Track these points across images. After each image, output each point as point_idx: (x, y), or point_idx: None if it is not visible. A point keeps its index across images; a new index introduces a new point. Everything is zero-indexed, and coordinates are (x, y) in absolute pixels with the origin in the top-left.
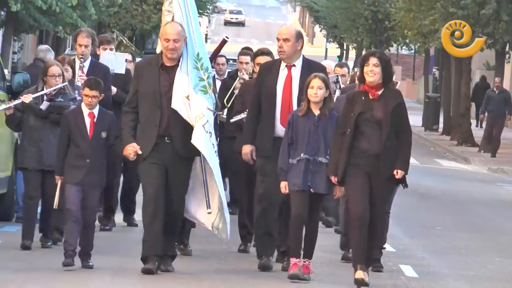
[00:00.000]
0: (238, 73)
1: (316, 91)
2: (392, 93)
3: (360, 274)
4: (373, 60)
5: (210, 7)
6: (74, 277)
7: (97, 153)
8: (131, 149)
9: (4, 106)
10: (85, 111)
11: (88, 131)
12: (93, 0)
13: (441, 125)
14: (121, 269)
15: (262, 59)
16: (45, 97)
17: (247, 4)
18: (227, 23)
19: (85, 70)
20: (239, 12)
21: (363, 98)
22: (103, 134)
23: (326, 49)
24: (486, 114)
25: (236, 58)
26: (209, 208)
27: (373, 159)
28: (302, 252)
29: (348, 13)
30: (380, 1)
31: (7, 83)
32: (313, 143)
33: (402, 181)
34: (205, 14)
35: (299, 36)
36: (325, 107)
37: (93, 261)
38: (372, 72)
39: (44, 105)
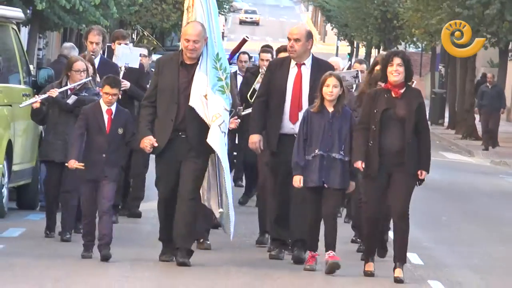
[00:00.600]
0: (260, 69)
1: (331, 89)
2: (413, 92)
3: (370, 266)
4: (397, 60)
5: (227, 7)
6: (94, 265)
7: (113, 149)
8: (148, 142)
9: (31, 100)
10: (104, 107)
11: (106, 126)
12: (115, 0)
13: (446, 119)
14: (139, 258)
15: (284, 55)
16: (69, 92)
17: (261, 3)
18: (242, 22)
19: (95, 67)
20: (253, 12)
21: (385, 95)
22: (120, 131)
23: (337, 46)
24: (478, 108)
25: (248, 54)
26: (221, 208)
27: (394, 156)
28: (324, 246)
29: (359, 12)
30: (389, 1)
31: (33, 78)
32: (327, 139)
33: (421, 179)
34: (222, 13)
35: (309, 35)
36: (339, 104)
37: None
38: (397, 71)
39: (71, 99)
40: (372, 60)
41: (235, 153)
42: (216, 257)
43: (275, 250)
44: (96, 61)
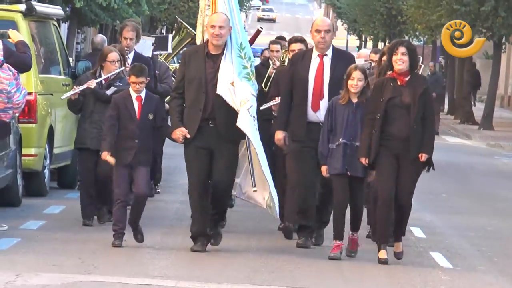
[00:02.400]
0: (270, 60)
1: (356, 82)
2: (418, 79)
3: (383, 254)
4: (402, 49)
5: (247, 4)
6: (128, 238)
7: (144, 134)
8: (180, 133)
9: (71, 92)
10: (133, 95)
11: (137, 113)
12: None
13: (446, 106)
14: (170, 232)
15: (296, 46)
16: (103, 82)
17: (278, 1)
18: (260, 19)
19: (129, 61)
20: (270, 10)
21: (391, 84)
22: (150, 116)
23: (347, 40)
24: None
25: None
26: (255, 186)
27: (401, 143)
28: (350, 225)
29: (366, 9)
30: None
31: (72, 70)
32: (351, 129)
33: (429, 163)
34: (243, 10)
35: (334, 27)
36: (363, 95)
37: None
38: (401, 60)
39: (110, 91)
40: None
41: None
42: (237, 269)
43: (302, 238)
44: (130, 56)
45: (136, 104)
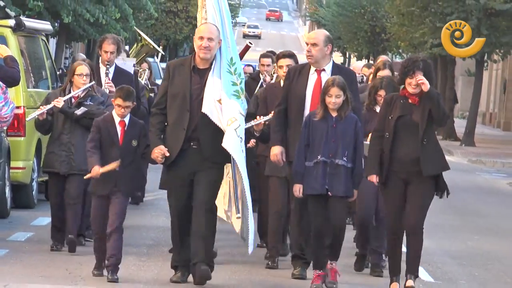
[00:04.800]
0: (260, 75)
1: (334, 100)
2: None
3: (395, 286)
4: (418, 75)
5: (233, 21)
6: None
7: (127, 162)
8: (159, 152)
9: (36, 112)
10: (116, 119)
11: (119, 138)
12: (134, 14)
13: None
14: (150, 253)
15: (284, 62)
16: (73, 100)
17: (264, 18)
18: (245, 36)
19: (110, 76)
20: (255, 27)
21: (402, 101)
22: (134, 143)
23: (328, 54)
24: None
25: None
26: (239, 213)
27: (410, 165)
28: (329, 254)
29: (350, 26)
30: (377, 17)
31: (59, 84)
32: (330, 145)
33: (440, 188)
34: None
35: (327, 40)
36: (342, 110)
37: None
38: (416, 85)
39: (80, 111)
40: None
41: None
42: (227, 276)
43: (298, 268)
44: (111, 70)
45: (119, 129)
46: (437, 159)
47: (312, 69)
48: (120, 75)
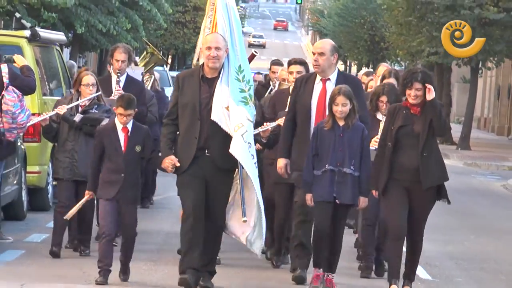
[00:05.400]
0: (271, 82)
1: (341, 108)
2: (431, 107)
3: None
4: (417, 85)
5: None
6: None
7: (131, 167)
8: (169, 162)
9: (39, 118)
10: (119, 126)
11: (122, 145)
12: (144, 25)
13: None
14: (161, 254)
15: (295, 68)
16: (79, 108)
17: (269, 28)
18: (250, 45)
19: (121, 84)
20: (260, 36)
21: (404, 112)
22: (138, 148)
23: (334, 63)
24: None
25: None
26: (245, 216)
27: (412, 174)
28: (326, 264)
29: (351, 36)
30: (376, 26)
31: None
32: (338, 154)
33: (441, 195)
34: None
35: (334, 50)
36: (349, 118)
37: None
38: (415, 95)
39: (77, 117)
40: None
41: None
42: (231, 277)
43: (298, 271)
44: (122, 79)
45: (122, 136)
46: (437, 171)
47: (318, 78)
48: (131, 84)
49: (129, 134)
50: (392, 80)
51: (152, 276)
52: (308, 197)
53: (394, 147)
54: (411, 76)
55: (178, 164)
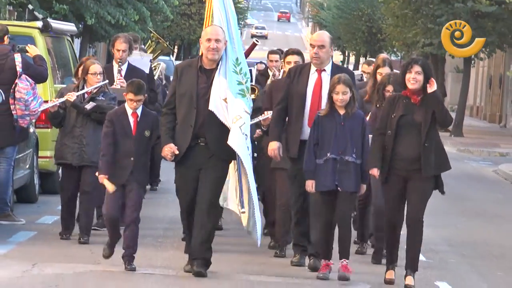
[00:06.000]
0: (268, 70)
1: (341, 96)
2: (432, 98)
3: (391, 274)
4: (416, 68)
5: (242, 23)
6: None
7: (140, 152)
8: (169, 150)
9: (49, 104)
10: (129, 111)
11: (132, 129)
12: (151, 16)
13: None
14: (167, 235)
15: (292, 58)
16: (86, 95)
17: (271, 20)
18: (253, 36)
19: (123, 73)
20: (263, 28)
21: (404, 101)
22: (147, 133)
23: (332, 55)
24: None
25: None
26: (243, 208)
27: (410, 163)
28: (339, 253)
29: (349, 27)
30: (374, 18)
31: None
32: (339, 142)
33: (438, 185)
34: (239, 27)
35: (331, 42)
36: (349, 107)
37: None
38: (415, 79)
39: (89, 105)
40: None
41: None
42: (231, 261)
43: (296, 256)
44: (124, 68)
45: (131, 121)
46: (438, 161)
47: (313, 69)
48: (132, 72)
49: (138, 119)
50: (386, 69)
51: (156, 261)
52: (310, 183)
53: (395, 136)
54: (411, 60)
55: (177, 152)
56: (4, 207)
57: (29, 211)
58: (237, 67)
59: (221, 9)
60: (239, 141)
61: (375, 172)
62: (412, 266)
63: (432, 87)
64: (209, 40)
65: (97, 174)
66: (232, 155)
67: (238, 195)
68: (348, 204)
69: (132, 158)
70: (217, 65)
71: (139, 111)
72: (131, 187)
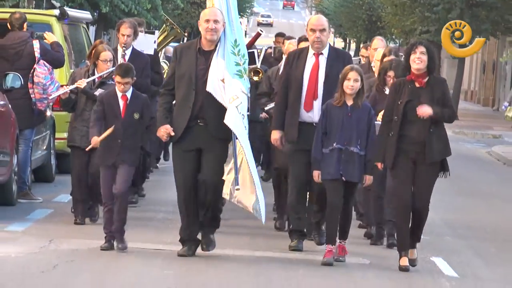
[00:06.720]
0: (283, 55)
1: (352, 83)
2: (437, 81)
3: (405, 261)
4: (421, 48)
5: (249, 11)
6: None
7: (129, 133)
8: (164, 131)
9: (61, 91)
10: (119, 93)
11: (121, 111)
12: (162, 5)
13: None
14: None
15: (304, 45)
16: (96, 80)
17: (276, 9)
18: (259, 24)
19: (127, 58)
20: (268, 16)
21: (409, 86)
22: (136, 115)
23: (334, 42)
24: None
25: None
26: (238, 185)
27: (419, 146)
28: (338, 233)
29: (350, 16)
30: (374, 7)
31: None
32: (346, 133)
33: (444, 168)
34: (245, 15)
35: (329, 25)
36: (358, 98)
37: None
38: (419, 59)
39: (98, 92)
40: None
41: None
42: (232, 244)
43: (294, 241)
44: (128, 53)
45: (121, 103)
46: (440, 147)
47: (310, 52)
48: (136, 57)
49: (127, 101)
50: (392, 58)
51: (159, 243)
52: (316, 173)
53: (401, 121)
54: (415, 41)
55: (172, 134)
56: (23, 186)
57: (46, 190)
58: (235, 49)
59: None
60: (236, 121)
61: (379, 165)
62: (413, 243)
63: (426, 113)
64: (207, 21)
65: (87, 148)
66: (230, 134)
67: (233, 173)
68: (351, 192)
69: (119, 140)
70: (216, 46)
71: (128, 94)
72: (120, 167)
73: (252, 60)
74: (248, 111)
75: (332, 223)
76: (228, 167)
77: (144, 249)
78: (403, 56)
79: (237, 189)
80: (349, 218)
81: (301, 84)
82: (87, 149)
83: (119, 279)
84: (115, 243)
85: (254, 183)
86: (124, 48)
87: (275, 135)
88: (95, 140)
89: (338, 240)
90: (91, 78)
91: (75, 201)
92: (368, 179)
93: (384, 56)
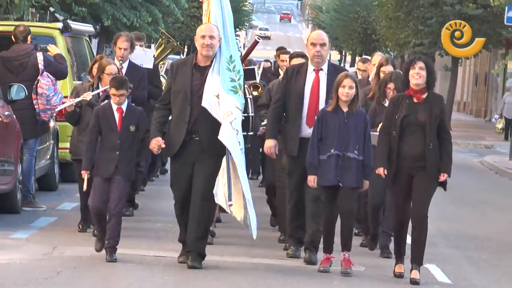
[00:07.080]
0: (280, 70)
1: (347, 90)
2: (435, 98)
3: (400, 268)
4: (420, 64)
5: (247, 24)
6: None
7: (125, 146)
8: (156, 144)
9: (67, 103)
10: (114, 106)
11: (117, 124)
12: (163, 18)
13: None
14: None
15: (297, 61)
16: (101, 94)
17: (273, 22)
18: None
19: (124, 71)
20: (266, 29)
21: (407, 101)
22: (132, 128)
23: (330, 54)
24: None
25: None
26: (231, 201)
27: (414, 161)
28: (341, 245)
29: (346, 29)
30: (369, 20)
31: None
32: (342, 139)
33: (443, 183)
34: (243, 28)
35: (329, 40)
36: (353, 104)
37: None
38: (418, 74)
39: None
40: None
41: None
42: (231, 251)
43: (292, 248)
44: (125, 66)
45: (116, 116)
46: (443, 163)
47: (310, 68)
48: (133, 70)
49: (123, 114)
50: (389, 68)
51: (159, 250)
52: (312, 178)
53: (399, 136)
54: (414, 57)
55: (163, 146)
56: (27, 194)
57: (50, 198)
58: (230, 65)
59: (217, 9)
60: (230, 137)
61: (381, 171)
62: (417, 260)
63: (443, 177)
64: (203, 36)
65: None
66: (224, 150)
67: (227, 188)
68: (350, 198)
69: (117, 152)
70: (211, 62)
71: (124, 107)
72: (116, 180)
73: (252, 76)
74: (251, 131)
75: (329, 232)
76: (223, 180)
77: (145, 256)
78: (403, 69)
79: (230, 205)
80: (349, 225)
81: (302, 99)
82: (84, 189)
83: (121, 285)
84: (107, 256)
85: (245, 199)
86: (121, 61)
87: (269, 144)
88: (83, 176)
89: (342, 253)
90: (96, 91)
91: (83, 214)
92: (366, 184)
93: (381, 65)
